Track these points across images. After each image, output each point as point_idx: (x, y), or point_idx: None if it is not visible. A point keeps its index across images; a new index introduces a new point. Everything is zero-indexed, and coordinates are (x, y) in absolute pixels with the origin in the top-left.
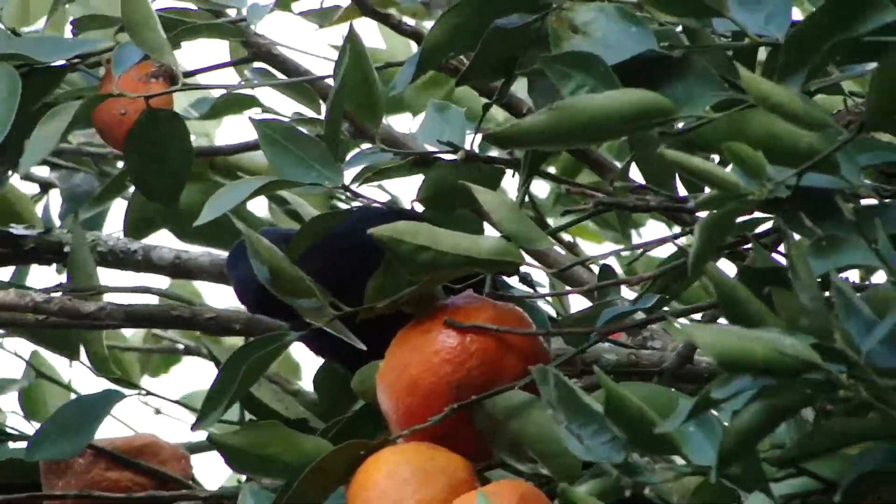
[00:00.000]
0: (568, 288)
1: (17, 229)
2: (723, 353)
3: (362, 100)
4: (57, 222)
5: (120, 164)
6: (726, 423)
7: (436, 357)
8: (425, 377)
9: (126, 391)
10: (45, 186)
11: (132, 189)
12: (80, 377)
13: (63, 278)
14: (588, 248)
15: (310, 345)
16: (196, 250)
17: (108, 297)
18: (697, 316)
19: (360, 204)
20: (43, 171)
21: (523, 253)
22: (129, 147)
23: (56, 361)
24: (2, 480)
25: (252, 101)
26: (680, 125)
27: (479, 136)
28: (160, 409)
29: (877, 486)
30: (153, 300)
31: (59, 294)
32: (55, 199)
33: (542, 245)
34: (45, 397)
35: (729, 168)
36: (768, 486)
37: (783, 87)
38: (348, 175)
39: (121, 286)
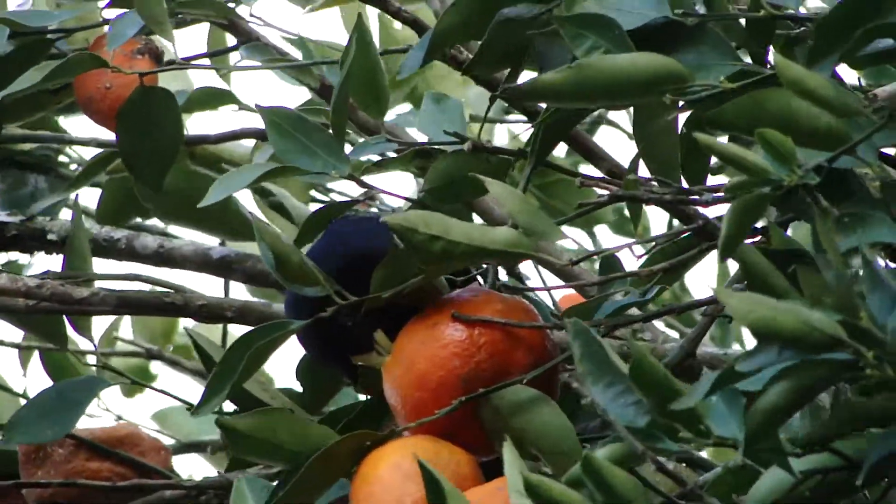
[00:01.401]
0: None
1: (0, 216)
2: (754, 321)
3: (368, 90)
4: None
5: (73, 167)
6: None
7: (444, 351)
8: (434, 371)
9: (111, 381)
10: None
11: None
12: (35, 384)
13: (49, 265)
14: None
15: (312, 343)
16: (180, 240)
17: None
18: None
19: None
20: None
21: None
22: (122, 124)
23: (6, 369)
24: None
25: (228, 97)
26: (691, 97)
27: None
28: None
29: None
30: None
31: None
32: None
33: (554, 237)
34: None
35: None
36: (788, 461)
37: (813, 73)
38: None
39: (110, 273)
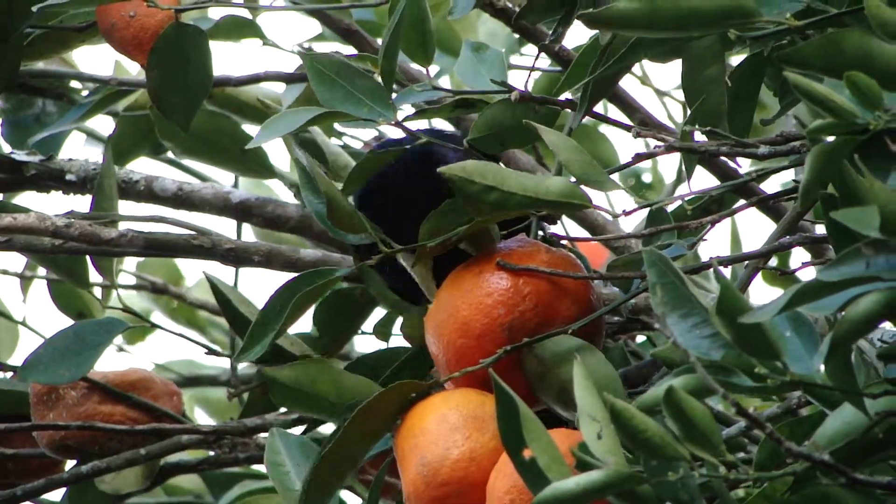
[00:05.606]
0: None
1: (19, 155)
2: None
3: (416, 36)
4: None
5: (85, 93)
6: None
7: (488, 299)
8: (477, 318)
9: (129, 322)
10: None
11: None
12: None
13: (72, 205)
14: None
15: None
16: (199, 183)
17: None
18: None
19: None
20: None
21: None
22: (153, 60)
23: (5, 296)
24: None
25: (253, 30)
26: (756, 33)
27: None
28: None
29: None
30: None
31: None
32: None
33: (608, 188)
34: None
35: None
36: (863, 401)
37: None
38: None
39: (136, 215)
